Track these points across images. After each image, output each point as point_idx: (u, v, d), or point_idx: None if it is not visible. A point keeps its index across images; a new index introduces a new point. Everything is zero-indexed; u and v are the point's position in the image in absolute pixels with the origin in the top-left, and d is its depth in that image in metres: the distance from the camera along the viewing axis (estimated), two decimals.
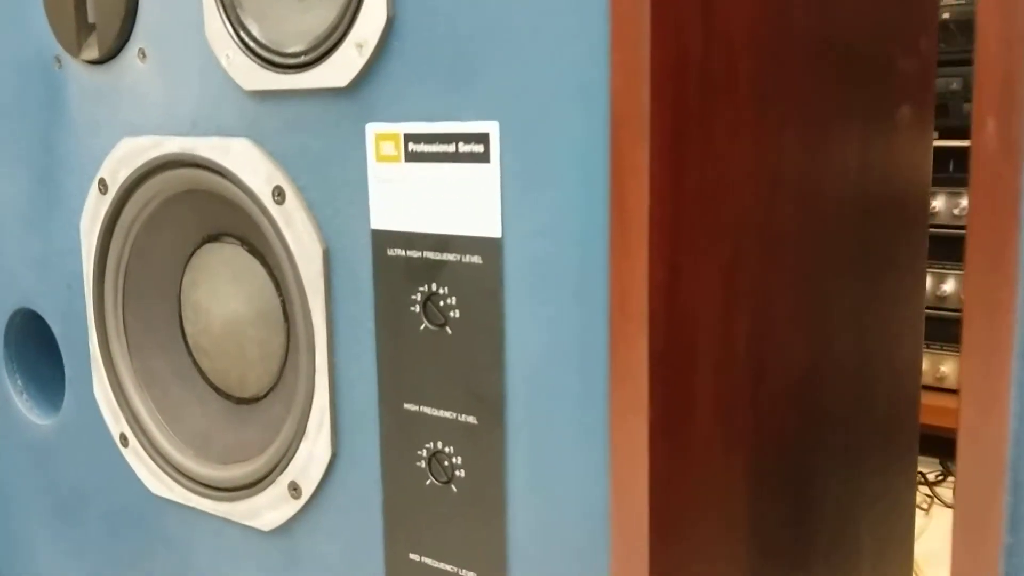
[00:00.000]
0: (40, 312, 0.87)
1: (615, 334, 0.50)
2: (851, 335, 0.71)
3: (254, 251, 0.74)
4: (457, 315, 0.59)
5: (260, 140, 0.68)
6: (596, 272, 0.52)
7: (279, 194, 0.66)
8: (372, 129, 0.61)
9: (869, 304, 0.73)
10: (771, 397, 0.61)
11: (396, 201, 0.61)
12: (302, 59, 0.63)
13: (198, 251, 0.77)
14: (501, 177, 0.56)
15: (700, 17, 0.51)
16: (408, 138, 0.60)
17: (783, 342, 0.61)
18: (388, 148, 0.61)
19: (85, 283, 0.81)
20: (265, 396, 0.76)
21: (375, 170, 0.62)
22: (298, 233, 0.66)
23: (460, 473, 0.60)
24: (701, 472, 0.55)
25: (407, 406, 0.63)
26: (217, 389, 0.79)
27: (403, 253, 0.61)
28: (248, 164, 0.68)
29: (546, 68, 0.53)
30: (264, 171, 0.67)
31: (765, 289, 0.59)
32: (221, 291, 0.76)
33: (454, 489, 0.61)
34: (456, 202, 0.58)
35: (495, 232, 0.57)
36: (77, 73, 0.79)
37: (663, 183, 0.49)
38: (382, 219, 0.62)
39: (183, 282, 0.79)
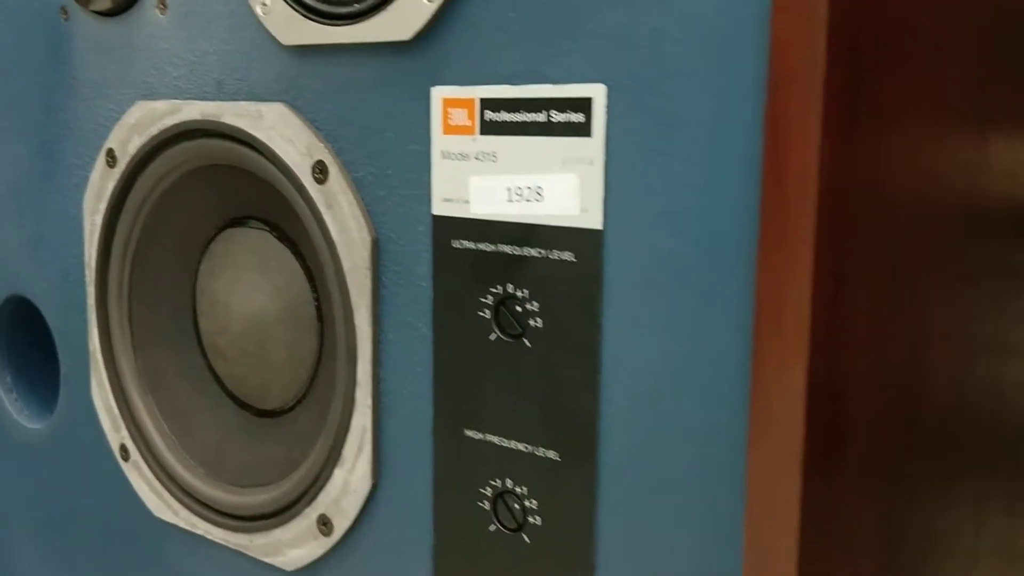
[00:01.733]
0: (34, 300, 0.76)
1: (761, 353, 0.39)
2: (991, 357, 0.60)
3: (285, 238, 0.63)
4: (539, 324, 0.48)
5: (300, 106, 0.57)
6: (731, 275, 0.41)
7: (321, 171, 0.55)
8: (439, 93, 0.50)
9: (1009, 323, 0.62)
10: (924, 426, 0.50)
11: (466, 182, 0.50)
12: (355, 7, 0.52)
13: (219, 236, 0.66)
14: (606, 154, 0.45)
15: None
16: (485, 104, 0.48)
17: (935, 364, 0.50)
18: (459, 117, 0.49)
19: (86, 269, 0.70)
20: (291, 409, 0.65)
21: (441, 143, 0.50)
22: (342, 218, 0.54)
23: (535, 520, 0.49)
24: (850, 522, 0.43)
25: (469, 433, 0.51)
26: (235, 397, 0.68)
27: (472, 246, 0.50)
28: (285, 134, 0.56)
29: (671, 10, 0.42)
30: (304, 143, 0.56)
31: (921, 301, 0.48)
32: (244, 283, 0.65)
33: (526, 539, 0.49)
34: (545, 184, 0.47)
35: (595, 223, 0.45)
36: (85, 26, 0.68)
37: (835, 163, 0.37)
38: (447, 204, 0.51)
39: (200, 271, 0.68)
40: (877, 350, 0.44)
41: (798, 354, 0.38)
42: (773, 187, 0.38)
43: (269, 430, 0.66)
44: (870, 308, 0.43)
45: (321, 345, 0.61)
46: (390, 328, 0.54)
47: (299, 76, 0.57)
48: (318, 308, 0.61)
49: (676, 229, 0.43)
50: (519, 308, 0.49)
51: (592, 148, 0.45)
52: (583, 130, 0.45)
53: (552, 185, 0.47)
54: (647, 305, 0.44)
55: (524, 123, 0.47)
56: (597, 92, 0.44)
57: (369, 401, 0.55)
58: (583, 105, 0.45)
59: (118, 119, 0.66)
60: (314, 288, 0.61)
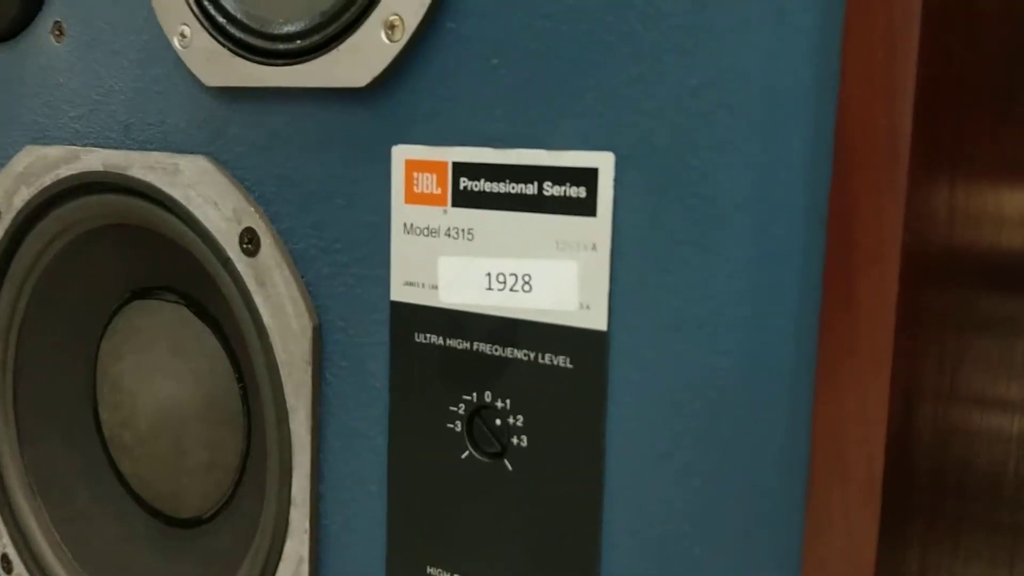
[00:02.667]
0: None
1: (819, 492, 0.30)
2: None
3: (206, 315, 0.52)
4: (524, 442, 0.39)
5: (227, 160, 0.47)
6: (776, 403, 0.32)
7: (250, 240, 0.45)
8: (402, 154, 0.41)
9: None
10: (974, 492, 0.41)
11: (434, 263, 0.40)
12: (297, 43, 0.43)
13: (124, 310, 0.56)
14: (614, 239, 0.36)
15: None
16: (460, 170, 0.39)
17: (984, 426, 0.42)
18: (427, 183, 0.40)
19: None
20: (211, 519, 0.54)
21: (404, 215, 0.41)
22: (277, 299, 0.44)
23: None
24: None
25: (432, 572, 0.41)
26: (142, 503, 0.57)
27: (441, 342, 0.40)
28: (207, 194, 0.46)
29: (705, 66, 0.33)
30: (230, 205, 0.46)
31: (982, 361, 0.40)
32: (154, 367, 0.54)
33: None
34: (536, 272, 0.38)
35: (598, 322, 0.36)
36: None
37: (917, 264, 0.29)
38: (410, 289, 0.41)
39: (101, 351, 0.57)
40: (941, 468, 0.36)
41: (867, 497, 0.30)
42: (839, 300, 0.30)
43: (183, 543, 0.55)
44: (936, 419, 0.35)
45: (248, 447, 0.51)
46: (335, 436, 0.44)
47: (226, 124, 0.47)
48: (245, 402, 0.51)
49: (705, 339, 0.34)
50: (499, 422, 0.39)
51: (596, 230, 0.36)
52: (585, 207, 0.36)
53: (544, 273, 0.37)
54: (665, 430, 0.35)
55: (510, 195, 0.38)
56: (604, 162, 0.36)
57: (306, 525, 0.45)
58: (586, 177, 0.36)
59: (2, 166, 0.55)
60: (240, 378, 0.51)
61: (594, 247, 0.36)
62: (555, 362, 0.37)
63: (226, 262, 0.46)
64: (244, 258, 0.46)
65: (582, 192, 0.36)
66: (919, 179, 0.29)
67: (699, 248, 0.34)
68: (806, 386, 0.31)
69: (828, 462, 0.30)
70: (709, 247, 0.34)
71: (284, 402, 0.45)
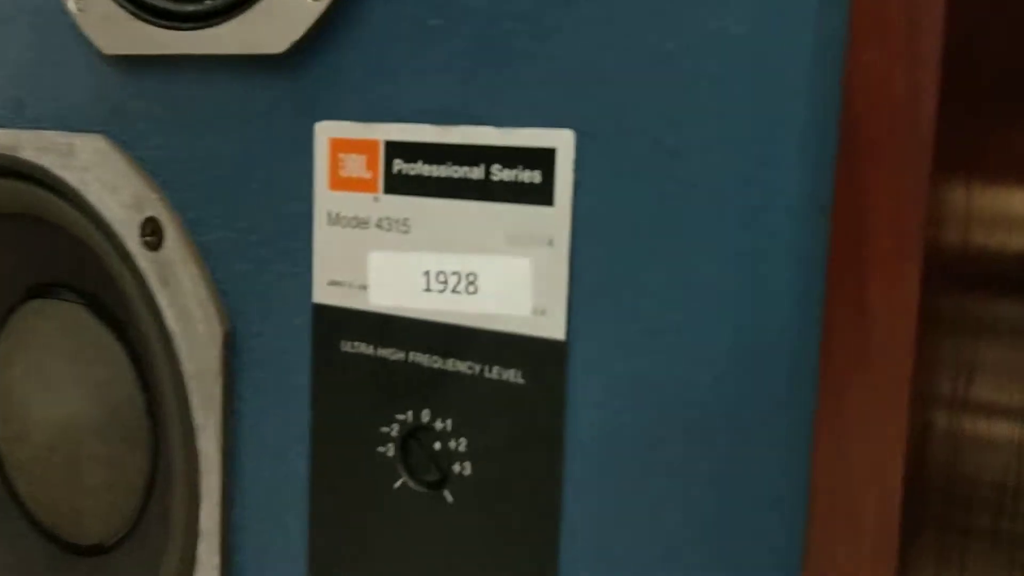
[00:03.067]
0: None
1: (820, 544, 0.25)
2: None
3: (108, 316, 0.46)
4: (467, 470, 0.33)
5: (127, 140, 0.40)
6: (766, 420, 0.27)
7: (153, 231, 0.39)
8: (326, 131, 0.35)
9: None
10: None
11: (364, 260, 0.34)
12: (206, 4, 0.37)
13: (18, 310, 0.49)
14: (574, 231, 0.30)
15: None
16: (394, 150, 0.33)
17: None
18: (355, 166, 0.34)
19: None
20: (112, 548, 0.48)
21: (328, 202, 0.35)
22: (183, 300, 0.38)
23: None
24: None
25: None
26: (38, 526, 0.50)
27: (371, 351, 0.35)
28: (104, 178, 0.40)
29: (686, 29, 0.28)
30: (130, 191, 0.40)
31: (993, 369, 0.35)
32: (51, 375, 0.48)
33: None
34: (482, 269, 0.32)
35: (555, 330, 0.31)
36: None
37: (938, 259, 0.24)
38: (336, 289, 0.35)
39: None
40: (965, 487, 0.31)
41: (883, 555, 0.24)
42: (846, 303, 0.25)
43: (83, 571, 0.49)
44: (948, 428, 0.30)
45: (154, 467, 0.45)
46: (250, 458, 0.38)
47: (127, 98, 0.40)
48: (151, 416, 0.44)
49: (683, 350, 0.29)
50: (438, 445, 0.34)
51: (553, 221, 0.30)
52: (540, 195, 0.31)
53: (492, 271, 0.32)
54: (634, 460, 0.30)
55: (452, 180, 0.32)
56: (562, 141, 0.30)
57: (216, 560, 0.39)
58: (541, 159, 0.31)
59: None
60: (146, 388, 0.44)
61: (551, 242, 0.31)
62: (504, 377, 0.32)
63: (125, 257, 0.40)
64: (145, 252, 0.39)
65: (536, 176, 0.31)
66: (945, 162, 0.24)
67: (675, 242, 0.28)
68: (805, 408, 0.26)
69: (832, 506, 0.25)
70: (688, 241, 0.28)
71: (191, 418, 0.39)
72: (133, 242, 0.40)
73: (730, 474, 0.28)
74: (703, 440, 0.28)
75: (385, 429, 0.35)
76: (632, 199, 0.29)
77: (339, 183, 0.35)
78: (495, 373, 0.32)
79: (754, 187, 0.27)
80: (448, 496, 0.34)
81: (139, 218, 0.39)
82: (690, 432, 0.29)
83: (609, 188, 0.30)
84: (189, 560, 0.40)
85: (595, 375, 0.30)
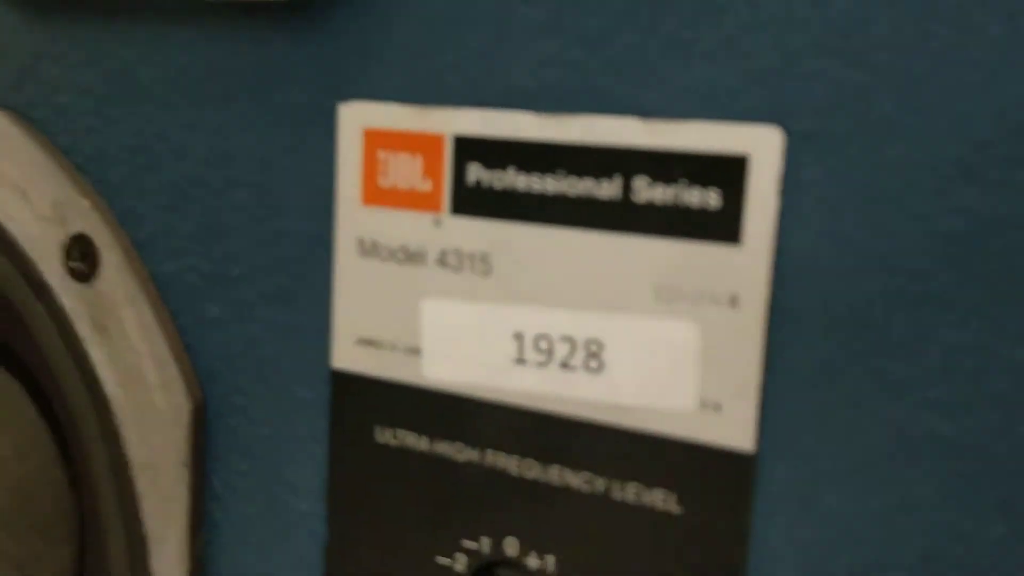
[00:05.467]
0: None
1: None
2: None
3: (19, 368, 0.33)
4: None
5: (44, 119, 0.28)
6: None
7: (83, 255, 0.27)
8: (357, 117, 0.23)
9: None
10: None
11: (412, 310, 0.23)
12: None
13: None
14: (774, 286, 0.19)
15: None
16: (468, 149, 0.22)
17: None
18: (404, 171, 0.23)
19: None
20: None
21: (359, 223, 0.23)
22: (129, 356, 0.26)
23: None
24: None
25: None
26: None
27: (425, 446, 0.23)
28: (9, 174, 0.28)
29: None
30: (48, 195, 0.27)
31: None
32: None
33: None
34: (610, 337, 0.21)
35: (737, 438, 0.20)
36: None
37: None
38: (367, 351, 0.24)
39: None
40: None
41: None
42: None
43: None
44: None
45: (82, 571, 0.33)
46: None
47: (42, 59, 0.28)
48: (78, 501, 0.32)
49: (958, 482, 0.18)
50: None
51: (740, 268, 0.19)
52: (719, 227, 0.20)
53: (629, 339, 0.21)
54: None
55: (565, 200, 0.21)
56: (761, 143, 0.19)
57: None
58: (722, 170, 0.19)
59: None
60: (70, 464, 0.32)
61: (734, 300, 0.20)
62: (646, 501, 0.21)
63: (40, 289, 0.28)
64: (71, 284, 0.27)
65: (713, 198, 0.20)
66: None
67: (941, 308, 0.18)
68: None
69: None
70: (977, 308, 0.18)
71: (141, 526, 0.27)
72: (52, 269, 0.27)
73: None
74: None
75: (445, 560, 0.23)
76: (880, 245, 0.18)
77: (377, 195, 0.23)
78: (630, 494, 0.21)
79: None
80: None
81: (62, 235, 0.27)
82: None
83: (838, 219, 0.19)
84: None
85: (798, 508, 0.20)
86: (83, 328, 0.27)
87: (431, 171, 0.22)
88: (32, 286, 0.28)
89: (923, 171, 0.18)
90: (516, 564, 0.23)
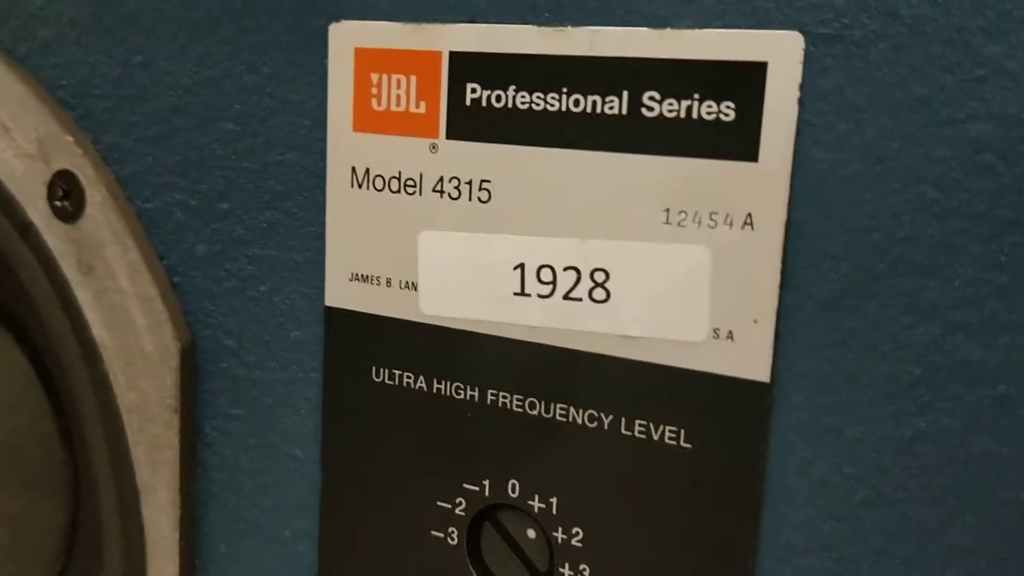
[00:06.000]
0: None
1: None
2: None
3: (6, 317, 0.32)
4: (586, 575, 0.21)
5: (24, 50, 0.27)
6: None
7: (67, 193, 0.26)
8: (348, 36, 0.22)
9: None
10: None
11: (409, 243, 0.22)
12: None
13: None
14: (792, 206, 0.18)
15: None
16: (465, 67, 0.21)
17: None
18: (398, 93, 0.22)
19: None
20: None
21: (352, 150, 0.22)
22: (116, 297, 0.25)
23: None
24: None
25: None
26: None
27: (423, 385, 0.22)
28: None
29: None
30: (31, 130, 0.26)
31: None
32: None
33: None
34: (617, 265, 0.20)
35: (752, 368, 0.19)
36: None
37: None
38: (361, 288, 0.23)
39: None
40: None
41: None
42: None
43: None
44: None
45: (74, 524, 0.32)
46: (223, 538, 0.26)
47: None
48: (70, 453, 0.31)
49: (970, 406, 0.17)
50: (532, 533, 0.22)
51: (756, 187, 0.18)
52: (734, 143, 0.18)
53: (637, 266, 0.20)
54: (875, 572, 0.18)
55: (570, 117, 0.20)
56: (779, 50, 0.18)
57: None
58: (737, 81, 0.18)
59: None
60: (61, 415, 0.31)
61: (749, 221, 0.18)
62: (656, 435, 0.20)
63: (24, 229, 0.27)
64: (57, 224, 0.26)
65: (727, 112, 0.18)
66: None
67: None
68: None
69: None
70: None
71: (132, 474, 0.26)
72: (37, 208, 0.26)
73: None
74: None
75: (445, 504, 0.22)
76: (906, 155, 0.17)
77: (370, 121, 0.22)
78: (638, 429, 0.20)
79: None
80: None
81: (46, 173, 0.26)
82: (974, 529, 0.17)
83: (860, 129, 0.17)
84: None
85: (816, 440, 0.18)
86: (69, 269, 0.26)
87: (426, 93, 0.21)
88: (17, 228, 0.27)
89: (952, 74, 0.17)
90: (518, 507, 0.22)
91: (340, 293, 0.23)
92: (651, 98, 0.19)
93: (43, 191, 0.26)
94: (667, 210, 0.19)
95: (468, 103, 0.21)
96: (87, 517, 0.31)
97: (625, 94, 0.19)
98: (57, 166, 0.26)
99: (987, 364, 0.17)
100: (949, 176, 0.17)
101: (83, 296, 0.26)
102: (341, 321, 0.23)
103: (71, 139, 0.26)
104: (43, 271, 0.27)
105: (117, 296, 0.26)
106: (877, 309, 0.18)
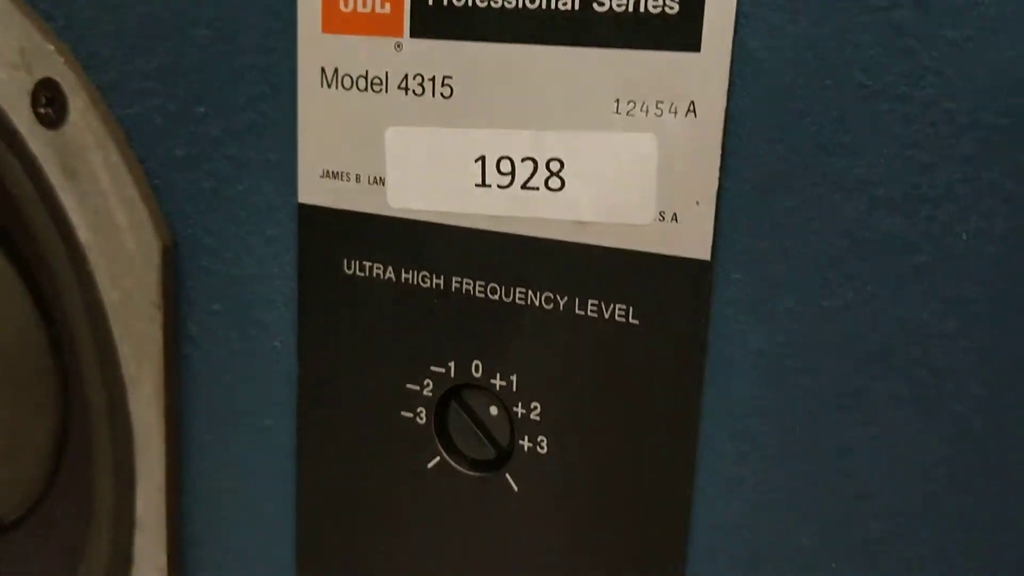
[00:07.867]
0: None
1: None
2: None
3: None
4: (542, 447, 0.23)
5: None
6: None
7: (50, 101, 0.27)
8: None
9: None
10: None
11: (377, 139, 0.23)
12: None
13: None
14: (731, 93, 0.19)
15: None
16: None
17: None
18: None
19: None
20: (13, 527, 0.36)
21: (321, 51, 0.23)
22: (99, 200, 0.27)
23: None
24: None
25: None
26: None
27: (391, 275, 0.24)
28: None
29: None
30: (14, 40, 0.27)
31: None
32: None
33: None
34: (570, 154, 0.21)
35: (694, 247, 0.20)
36: None
37: None
38: (332, 184, 0.24)
39: None
40: None
41: None
42: None
43: None
44: None
45: (64, 425, 0.33)
46: (206, 426, 0.27)
47: None
48: (59, 358, 0.32)
49: (914, 277, 0.18)
50: (494, 410, 0.23)
51: (698, 76, 0.20)
52: (677, 35, 0.20)
53: (589, 155, 0.21)
54: (807, 438, 0.20)
55: (525, 14, 0.21)
56: None
57: (163, 561, 0.28)
58: None
59: None
60: (49, 322, 0.32)
61: (692, 108, 0.20)
62: (607, 314, 0.21)
63: (10, 136, 0.28)
64: (41, 130, 0.27)
65: (672, 5, 0.19)
66: None
67: (909, 110, 0.18)
68: None
69: None
70: (929, 106, 0.18)
71: (118, 369, 0.27)
72: (21, 116, 0.27)
73: (991, 475, 0.18)
74: (932, 420, 0.18)
75: (413, 387, 0.24)
76: (835, 42, 0.18)
77: (338, 22, 0.23)
78: (591, 309, 0.21)
79: None
80: (511, 482, 0.23)
81: (29, 81, 0.27)
82: (907, 401, 0.19)
83: (794, 18, 0.19)
84: (123, 556, 0.29)
85: (754, 313, 0.20)
86: (53, 174, 0.27)
87: None
88: (3, 135, 0.28)
89: None
90: (481, 386, 0.23)
91: (312, 190, 0.24)
92: None
93: (27, 99, 0.27)
94: (617, 100, 0.20)
95: (430, 2, 0.22)
96: (77, 419, 0.33)
97: None
98: (40, 74, 0.27)
99: (909, 235, 0.18)
100: (875, 60, 0.18)
101: (68, 200, 0.27)
102: (313, 217, 0.24)
103: (53, 48, 0.27)
104: (28, 177, 0.28)
105: (100, 199, 0.27)
106: (808, 188, 0.19)
